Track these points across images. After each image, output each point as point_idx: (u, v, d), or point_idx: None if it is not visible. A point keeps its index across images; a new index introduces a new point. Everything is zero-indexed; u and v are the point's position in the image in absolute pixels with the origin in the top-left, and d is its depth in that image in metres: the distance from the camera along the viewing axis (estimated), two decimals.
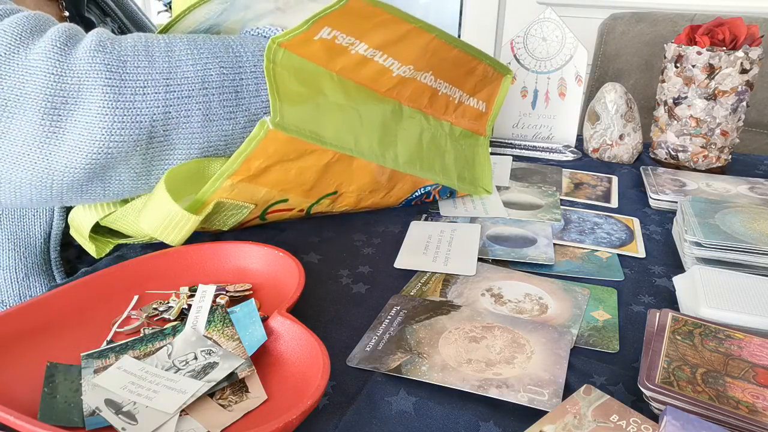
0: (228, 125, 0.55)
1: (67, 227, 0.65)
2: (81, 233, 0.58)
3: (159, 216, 0.51)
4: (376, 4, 0.54)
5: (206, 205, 0.53)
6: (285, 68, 0.53)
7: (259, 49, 0.57)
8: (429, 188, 0.68)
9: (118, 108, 0.49)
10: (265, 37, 0.60)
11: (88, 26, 0.74)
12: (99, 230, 0.60)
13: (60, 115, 0.48)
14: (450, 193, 0.72)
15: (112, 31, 0.78)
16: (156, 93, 0.51)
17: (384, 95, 0.61)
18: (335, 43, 0.55)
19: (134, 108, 0.50)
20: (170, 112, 0.52)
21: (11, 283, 0.63)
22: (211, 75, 0.54)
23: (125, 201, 0.58)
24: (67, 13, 0.72)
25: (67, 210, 0.63)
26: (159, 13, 3.45)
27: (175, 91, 0.52)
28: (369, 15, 0.55)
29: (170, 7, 3.17)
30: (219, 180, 0.51)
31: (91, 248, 0.58)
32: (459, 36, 2.86)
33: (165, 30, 0.63)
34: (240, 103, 0.56)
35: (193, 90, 0.53)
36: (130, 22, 0.82)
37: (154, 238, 0.55)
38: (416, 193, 0.68)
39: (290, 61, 0.53)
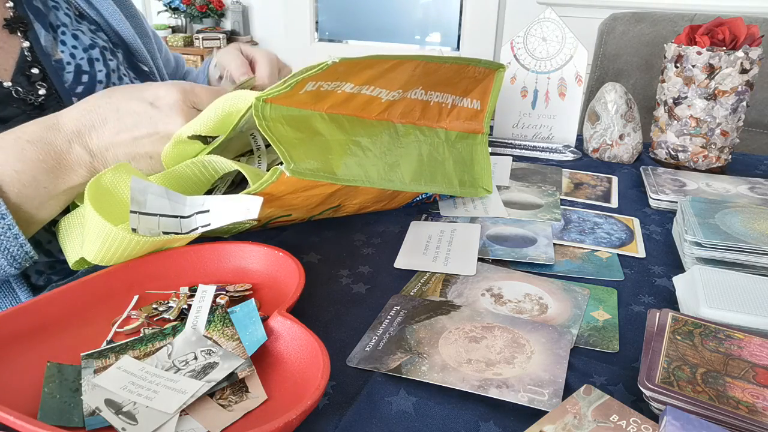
0: None
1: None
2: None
3: (98, 241, 0.47)
4: (360, 59, 0.53)
5: None
6: (276, 121, 0.52)
7: None
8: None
9: None
10: None
11: (37, 16, 0.69)
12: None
13: None
14: None
15: (66, 15, 0.72)
16: None
17: (375, 119, 0.61)
18: (320, 90, 0.55)
19: None
20: None
21: None
22: None
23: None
24: (11, 3, 0.67)
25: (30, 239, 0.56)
26: (159, 13, 3.45)
27: None
28: (353, 66, 0.54)
29: (170, 8, 3.15)
30: None
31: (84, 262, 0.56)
32: (459, 37, 2.86)
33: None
34: None
35: None
36: (86, 5, 0.74)
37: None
38: (417, 198, 0.69)
39: (278, 112, 0.53)
